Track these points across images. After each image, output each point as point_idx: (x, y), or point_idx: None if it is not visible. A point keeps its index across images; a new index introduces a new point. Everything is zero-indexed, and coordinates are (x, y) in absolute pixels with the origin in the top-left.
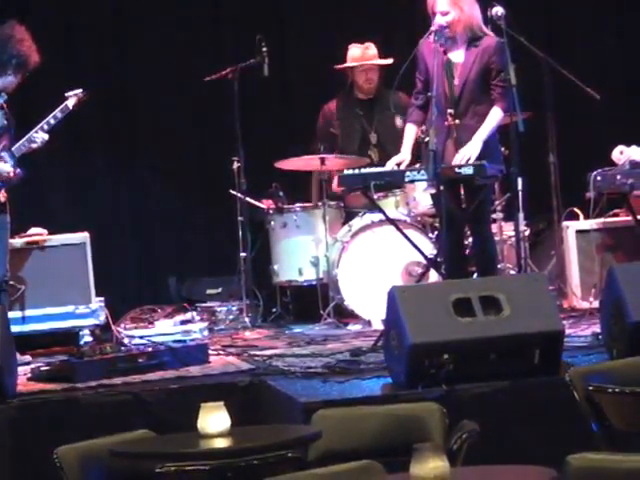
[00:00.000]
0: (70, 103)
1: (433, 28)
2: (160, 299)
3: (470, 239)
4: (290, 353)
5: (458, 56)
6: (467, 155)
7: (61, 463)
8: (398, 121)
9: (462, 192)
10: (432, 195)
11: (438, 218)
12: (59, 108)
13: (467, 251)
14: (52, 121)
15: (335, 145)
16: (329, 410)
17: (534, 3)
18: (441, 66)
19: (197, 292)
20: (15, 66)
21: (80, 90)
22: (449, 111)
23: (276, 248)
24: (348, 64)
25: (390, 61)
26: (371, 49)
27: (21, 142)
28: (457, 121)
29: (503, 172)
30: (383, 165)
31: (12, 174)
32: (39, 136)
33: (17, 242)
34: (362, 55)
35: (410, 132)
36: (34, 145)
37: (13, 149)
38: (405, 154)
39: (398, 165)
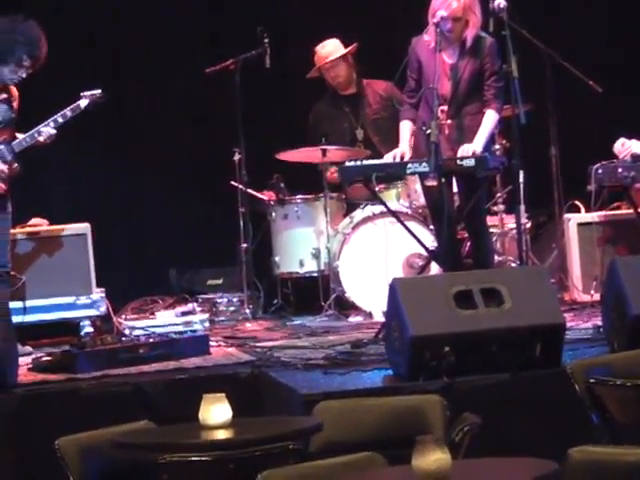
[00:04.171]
0: (83, 103)
1: (435, 20)
2: (161, 290)
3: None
4: (291, 345)
5: (453, 56)
6: (471, 150)
7: (62, 454)
8: (381, 112)
9: (455, 189)
10: (425, 188)
11: (429, 211)
12: (70, 107)
13: (464, 245)
14: (60, 119)
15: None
16: (330, 402)
17: None
18: (436, 65)
19: (198, 283)
20: (19, 59)
21: (98, 91)
22: (442, 108)
23: (277, 240)
24: (313, 70)
25: (343, 51)
26: (326, 47)
27: (23, 137)
28: (449, 121)
29: (505, 164)
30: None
31: (7, 170)
32: (45, 130)
33: (18, 232)
34: (317, 57)
35: (406, 128)
36: (40, 138)
37: (13, 144)
38: (404, 147)
39: (402, 158)
